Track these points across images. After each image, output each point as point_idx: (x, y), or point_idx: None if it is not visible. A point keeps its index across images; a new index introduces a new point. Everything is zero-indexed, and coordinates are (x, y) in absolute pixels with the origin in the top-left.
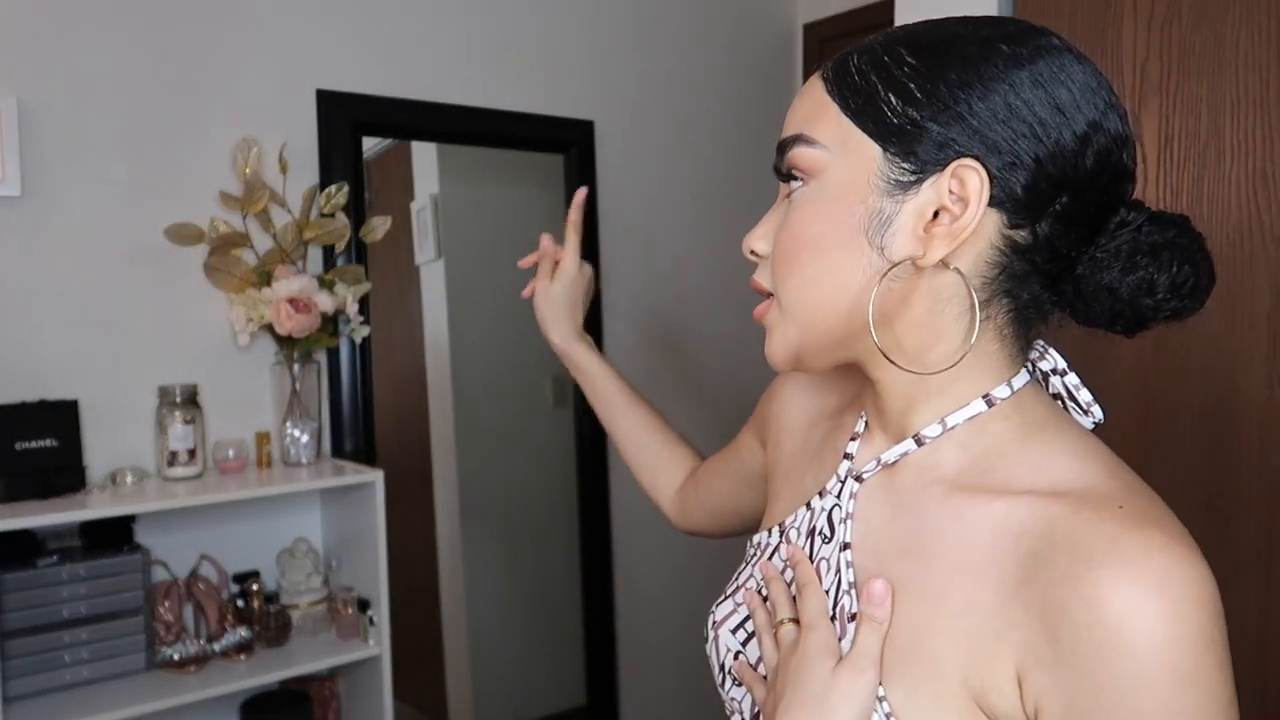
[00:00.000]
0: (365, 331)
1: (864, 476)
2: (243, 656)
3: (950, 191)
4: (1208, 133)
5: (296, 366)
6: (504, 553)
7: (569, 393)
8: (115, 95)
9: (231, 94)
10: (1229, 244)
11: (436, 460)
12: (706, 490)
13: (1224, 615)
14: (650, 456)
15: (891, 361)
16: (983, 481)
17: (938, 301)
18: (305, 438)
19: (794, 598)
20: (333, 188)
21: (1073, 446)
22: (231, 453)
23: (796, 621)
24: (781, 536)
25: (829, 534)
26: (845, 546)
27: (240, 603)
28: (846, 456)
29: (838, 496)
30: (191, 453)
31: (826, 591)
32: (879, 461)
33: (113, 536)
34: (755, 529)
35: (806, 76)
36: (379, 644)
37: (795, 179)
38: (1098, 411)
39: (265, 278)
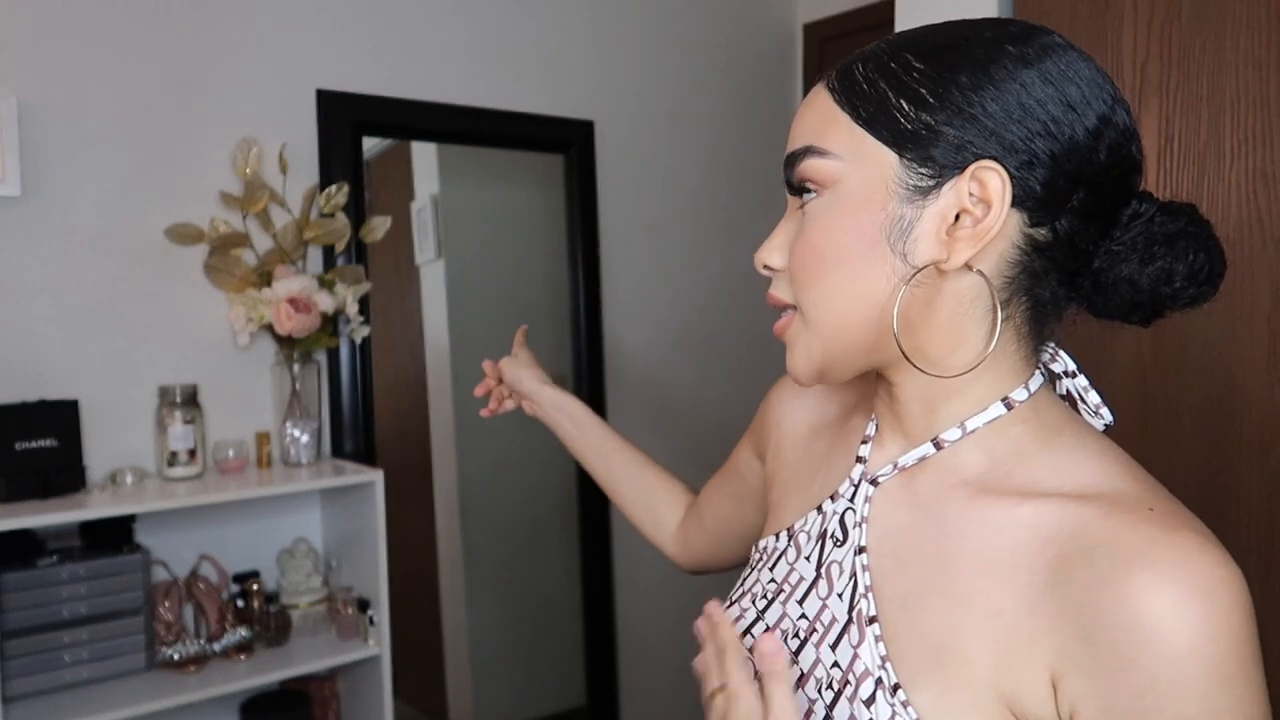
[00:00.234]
0: (365, 331)
1: (879, 480)
2: (243, 656)
3: (970, 194)
4: (1208, 133)
5: (296, 366)
6: (504, 553)
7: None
8: (115, 95)
9: (231, 94)
10: (1229, 244)
11: (436, 460)
12: (710, 513)
13: (1255, 616)
14: (649, 494)
15: (916, 367)
16: (1005, 485)
17: (960, 304)
18: (305, 438)
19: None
20: (333, 188)
21: (1092, 449)
22: (231, 453)
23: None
24: (790, 541)
25: (841, 537)
26: (861, 550)
27: (240, 603)
28: (859, 460)
29: (851, 500)
30: (191, 453)
31: (840, 595)
32: (895, 465)
33: (113, 536)
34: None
35: (807, 76)
36: (379, 644)
37: (808, 191)
38: (1107, 413)
39: (265, 278)
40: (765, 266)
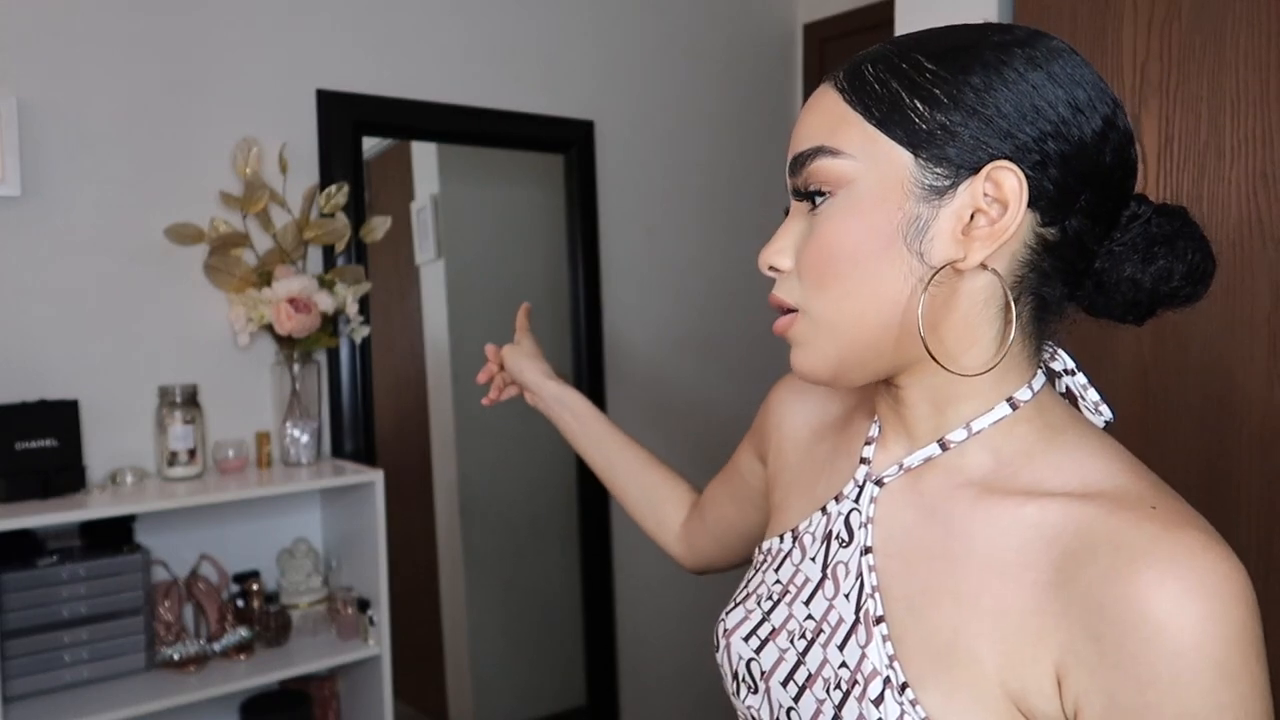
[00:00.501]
0: (365, 331)
1: (885, 481)
2: (242, 656)
3: (985, 194)
4: (1208, 133)
5: (296, 366)
6: (504, 553)
7: None
8: (115, 95)
9: (231, 94)
10: (1229, 244)
11: (436, 460)
12: (713, 514)
13: (1259, 613)
14: (653, 493)
15: (944, 368)
16: (1011, 484)
17: (973, 304)
18: (305, 438)
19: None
20: (333, 188)
21: (1094, 447)
22: (231, 453)
23: None
24: (794, 542)
25: (847, 538)
26: (867, 550)
27: (240, 603)
28: (863, 461)
29: (855, 501)
30: (191, 453)
31: (846, 596)
32: (901, 466)
33: (113, 536)
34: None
35: (807, 76)
36: (379, 644)
37: (819, 194)
38: (1106, 411)
39: (265, 278)
40: (771, 268)
